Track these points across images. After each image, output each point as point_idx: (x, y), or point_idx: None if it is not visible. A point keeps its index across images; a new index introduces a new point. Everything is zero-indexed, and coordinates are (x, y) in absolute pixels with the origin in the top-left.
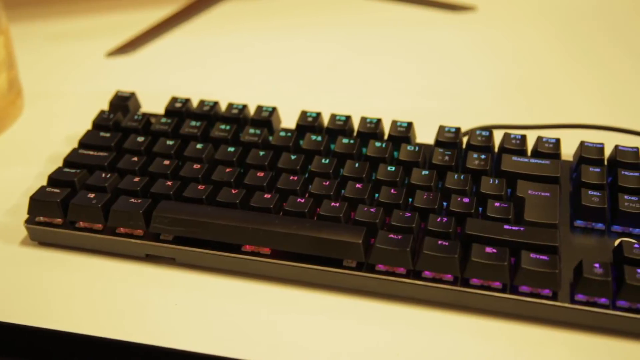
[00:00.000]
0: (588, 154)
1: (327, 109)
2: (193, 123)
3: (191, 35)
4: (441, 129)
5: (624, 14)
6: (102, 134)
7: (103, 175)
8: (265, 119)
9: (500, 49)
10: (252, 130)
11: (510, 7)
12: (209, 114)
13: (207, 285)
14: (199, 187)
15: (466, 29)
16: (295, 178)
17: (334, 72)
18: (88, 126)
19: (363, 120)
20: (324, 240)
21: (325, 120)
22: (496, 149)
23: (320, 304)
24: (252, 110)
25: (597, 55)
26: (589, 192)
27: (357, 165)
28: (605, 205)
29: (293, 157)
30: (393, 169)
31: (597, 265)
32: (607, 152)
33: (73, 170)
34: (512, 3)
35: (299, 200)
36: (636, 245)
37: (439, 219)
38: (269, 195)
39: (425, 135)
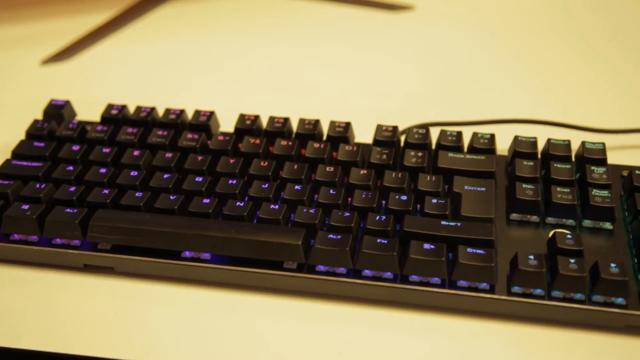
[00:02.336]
0: (522, 148)
1: (266, 112)
2: (130, 130)
3: (128, 41)
4: (379, 128)
5: (555, 11)
6: (36, 143)
7: (37, 185)
8: (203, 123)
9: (437, 47)
10: (190, 135)
11: (447, 6)
12: (146, 120)
13: (147, 293)
14: (137, 194)
15: (404, 29)
16: (234, 182)
17: (273, 74)
18: (22, 136)
19: (302, 121)
20: (263, 243)
21: (264, 122)
22: (433, 146)
23: (261, 307)
24: (189, 114)
25: (530, 52)
26: (523, 185)
27: (295, 166)
28: (538, 197)
29: (232, 161)
30: (332, 169)
31: (531, 257)
32: (541, 145)
33: (6, 182)
34: (449, 3)
35: (238, 204)
36: (569, 236)
37: (377, 218)
38: (207, 200)
39: (364, 134)
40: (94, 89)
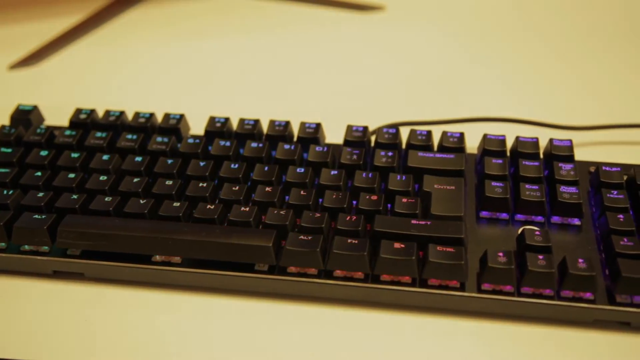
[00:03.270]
0: (490, 146)
1: (236, 114)
2: (99, 134)
3: (96, 45)
4: (349, 128)
5: (523, 11)
6: (3, 149)
7: (5, 192)
8: (173, 126)
9: (407, 47)
10: (159, 139)
11: (417, 6)
12: (115, 124)
13: (117, 298)
14: (106, 199)
15: (375, 29)
16: (205, 185)
17: (243, 76)
18: None
19: (272, 123)
20: (234, 245)
21: (234, 125)
22: (404, 146)
23: (233, 310)
24: (159, 118)
25: (499, 51)
26: (492, 183)
27: (266, 168)
28: (507, 195)
29: (202, 163)
30: (302, 170)
31: (501, 254)
32: (510, 143)
33: None
34: (420, 3)
35: (208, 206)
36: (537, 233)
37: (348, 218)
38: (178, 204)
39: (334, 135)
40: (62, 94)
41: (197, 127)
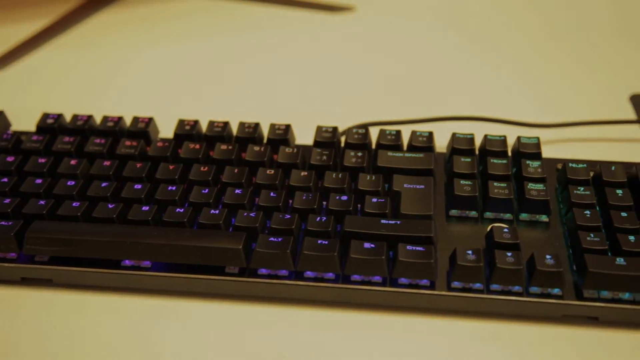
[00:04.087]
0: (459, 145)
1: (205, 116)
2: (66, 139)
3: (63, 49)
4: (319, 129)
5: (490, 10)
6: None
7: None
8: (142, 130)
9: (376, 48)
10: (128, 143)
11: (387, 7)
12: (82, 128)
13: (87, 304)
14: (74, 204)
15: (344, 29)
16: (174, 188)
17: (212, 78)
18: None
19: (241, 125)
20: (204, 248)
21: (204, 127)
22: (374, 146)
23: (204, 313)
24: (128, 122)
25: (467, 50)
26: (461, 181)
27: (236, 170)
28: (476, 193)
29: (171, 167)
30: (272, 172)
31: (470, 252)
32: (479, 142)
33: None
34: (389, 3)
35: (177, 210)
36: (506, 230)
37: (318, 219)
38: (147, 208)
39: (304, 136)
40: (28, 99)
41: (166, 130)
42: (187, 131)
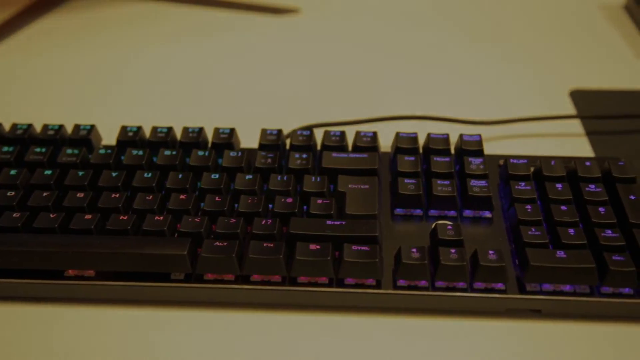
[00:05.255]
0: (403, 144)
1: (148, 122)
2: (5, 149)
3: (3, 56)
4: (263, 132)
5: (434, 10)
6: None
7: None
8: (84, 137)
9: (321, 49)
10: (69, 151)
11: (332, 8)
12: (22, 137)
13: (30, 316)
14: (14, 214)
15: (290, 32)
16: (117, 195)
17: (156, 83)
18: None
19: (185, 130)
20: (148, 255)
21: (147, 133)
22: (319, 147)
23: (151, 320)
24: (69, 129)
25: (410, 51)
26: (405, 180)
27: (180, 176)
28: (420, 192)
29: (114, 174)
30: (217, 176)
31: (414, 250)
32: (423, 140)
33: None
34: (334, 5)
35: (121, 217)
36: (449, 227)
37: (263, 222)
38: (90, 216)
39: (249, 140)
40: None
41: (109, 137)
42: (130, 138)
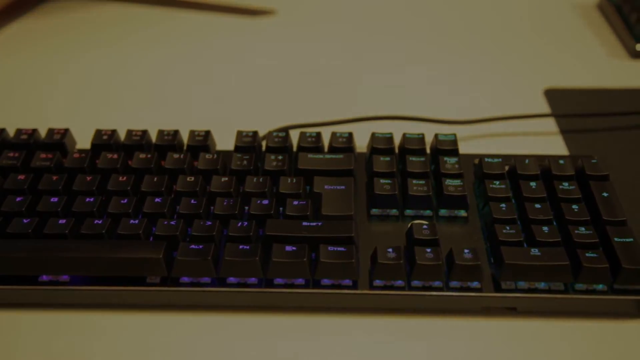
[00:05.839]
0: (378, 144)
1: (123, 126)
2: None
3: None
4: (239, 134)
5: (409, 10)
6: None
7: None
8: (58, 141)
9: (296, 50)
10: (43, 155)
11: (307, 10)
12: None
13: (2, 323)
14: None
15: (265, 33)
16: (92, 199)
17: (131, 86)
18: None
19: (160, 132)
20: (123, 259)
21: (122, 136)
22: (295, 149)
23: (127, 324)
24: (43, 133)
25: (385, 51)
26: (381, 180)
27: (155, 179)
28: (395, 192)
29: (89, 178)
30: (193, 179)
31: (390, 250)
32: (398, 140)
33: None
34: (310, 6)
35: (96, 221)
36: (425, 227)
37: (239, 224)
38: (64, 221)
39: (225, 142)
40: None
41: (83, 141)
42: (104, 141)
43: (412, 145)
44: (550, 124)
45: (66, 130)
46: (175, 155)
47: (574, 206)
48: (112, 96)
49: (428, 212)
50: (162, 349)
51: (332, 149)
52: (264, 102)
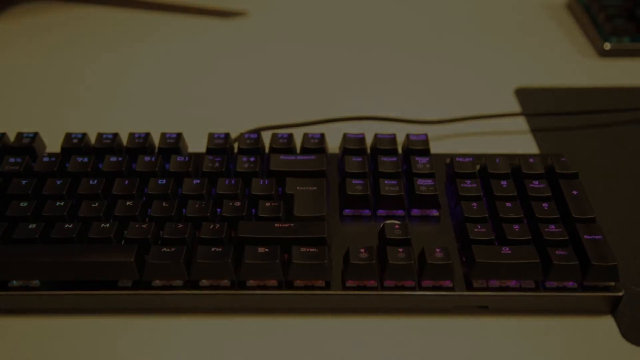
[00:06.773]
0: (350, 145)
1: (94, 129)
2: None
3: None
4: (211, 136)
5: (382, 10)
6: None
7: None
8: (27, 145)
9: (269, 52)
10: (12, 159)
11: (280, 11)
12: None
13: None
14: None
15: (237, 35)
16: (62, 203)
17: (101, 89)
18: None
19: (131, 135)
20: (94, 263)
21: (92, 139)
22: (267, 150)
23: (99, 329)
24: (12, 137)
25: (357, 53)
26: (353, 181)
27: (126, 182)
28: (367, 192)
29: (58, 182)
30: (164, 181)
31: (362, 250)
32: (370, 141)
33: None
34: (282, 8)
35: (66, 226)
36: (397, 227)
37: (211, 226)
38: (33, 225)
39: (197, 144)
40: None
41: (53, 145)
42: (74, 145)
43: (383, 146)
44: (521, 123)
45: (35, 134)
46: (147, 158)
47: (544, 204)
48: (82, 99)
49: (400, 212)
50: (134, 353)
51: (304, 150)
52: (236, 104)
